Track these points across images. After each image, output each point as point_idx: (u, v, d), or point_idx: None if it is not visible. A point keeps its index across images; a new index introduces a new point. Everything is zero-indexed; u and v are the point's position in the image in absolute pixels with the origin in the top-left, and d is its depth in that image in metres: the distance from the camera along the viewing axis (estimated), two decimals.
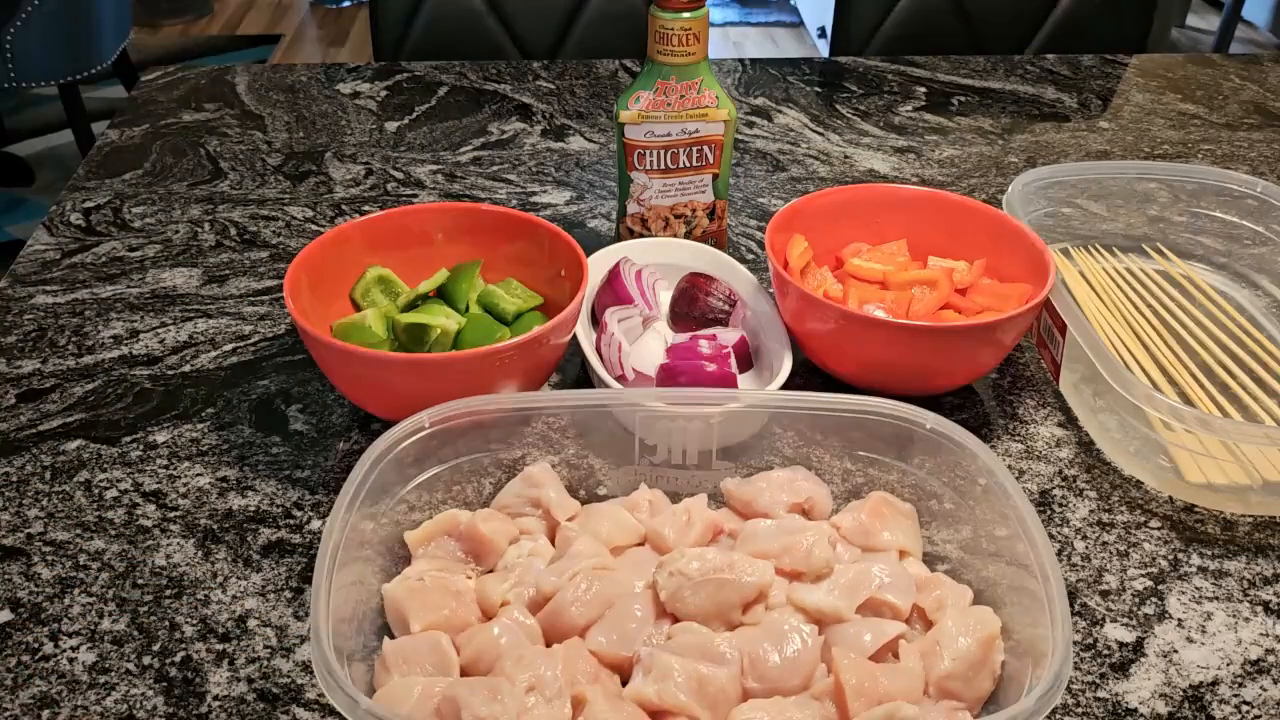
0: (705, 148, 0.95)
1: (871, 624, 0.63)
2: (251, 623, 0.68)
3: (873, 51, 1.64)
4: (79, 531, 0.74)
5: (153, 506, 0.76)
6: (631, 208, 0.98)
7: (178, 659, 0.66)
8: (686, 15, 0.88)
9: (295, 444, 0.81)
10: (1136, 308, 0.95)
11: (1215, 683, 0.66)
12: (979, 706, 0.61)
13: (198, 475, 0.79)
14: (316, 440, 0.82)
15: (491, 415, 0.70)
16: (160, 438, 0.82)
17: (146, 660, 0.66)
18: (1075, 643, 0.68)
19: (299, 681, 0.65)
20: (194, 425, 0.83)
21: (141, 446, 0.81)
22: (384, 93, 1.33)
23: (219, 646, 0.67)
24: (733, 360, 0.82)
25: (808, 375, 0.88)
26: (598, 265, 0.90)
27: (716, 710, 0.58)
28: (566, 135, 1.25)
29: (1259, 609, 0.71)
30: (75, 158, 2.83)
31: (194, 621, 0.68)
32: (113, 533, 0.74)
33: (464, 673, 0.61)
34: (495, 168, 1.18)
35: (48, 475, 0.78)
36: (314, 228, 1.07)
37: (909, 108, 1.32)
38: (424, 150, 1.21)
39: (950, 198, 0.93)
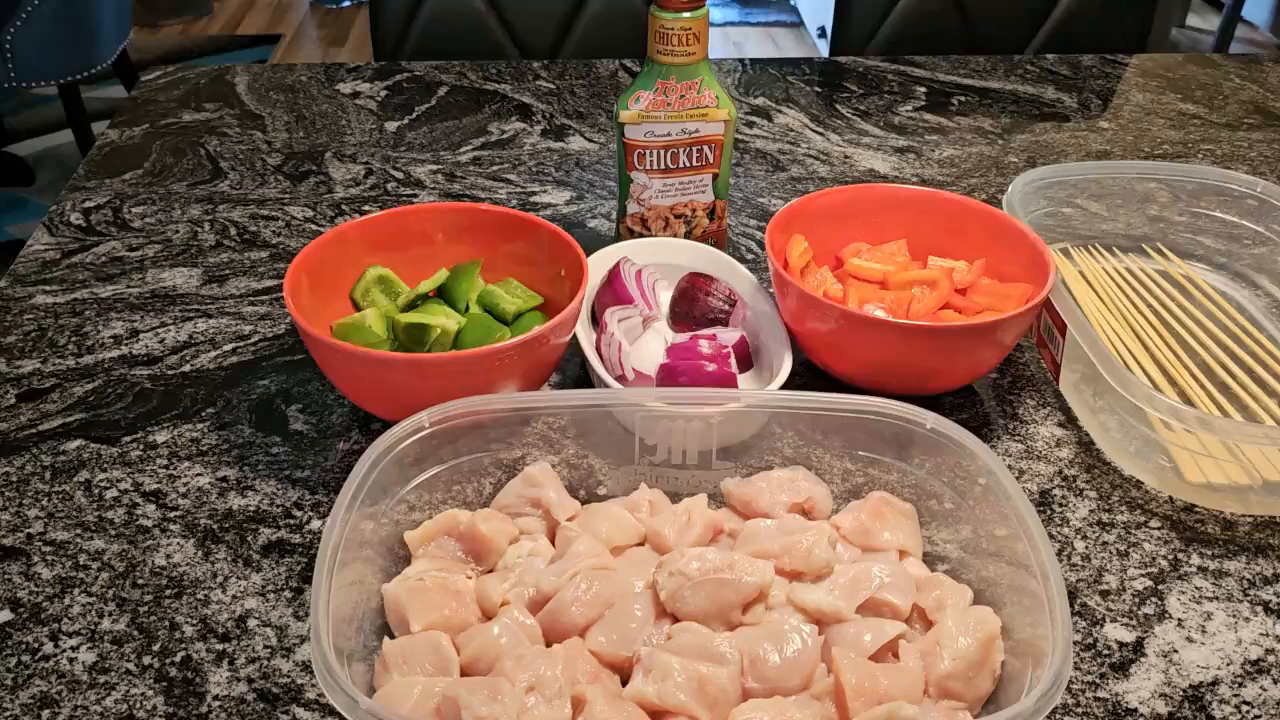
0: (705, 148, 0.95)
1: (871, 624, 0.63)
2: (251, 623, 0.68)
3: (873, 51, 1.64)
4: (79, 531, 0.74)
5: (153, 506, 0.76)
6: (631, 208, 0.98)
7: (178, 659, 0.66)
8: (686, 15, 0.88)
9: (295, 444, 0.81)
10: (1136, 308, 0.95)
11: (1215, 683, 0.66)
12: (979, 706, 0.61)
13: (198, 475, 0.79)
14: (316, 440, 0.82)
15: (491, 415, 0.70)
16: (160, 438, 0.82)
17: (146, 660, 0.66)
18: (1075, 643, 0.68)
19: (299, 681, 0.65)
20: (194, 425, 0.83)
21: (141, 446, 0.81)
22: (384, 93, 1.33)
23: (219, 646, 0.67)
24: (733, 360, 0.82)
25: (808, 375, 0.88)
26: (598, 265, 0.90)
27: (716, 710, 0.58)
28: (566, 135, 1.25)
29: (1259, 609, 0.71)
30: (75, 158, 2.83)
31: (194, 621, 0.68)
32: (113, 533, 0.74)
33: (464, 673, 0.61)
34: (495, 168, 1.18)
35: (48, 475, 0.78)
36: (314, 228, 1.07)
37: (909, 108, 1.32)
38: (424, 150, 1.21)
39: (950, 198, 0.93)
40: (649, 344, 0.85)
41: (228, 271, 1.01)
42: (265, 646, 0.67)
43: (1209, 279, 1.00)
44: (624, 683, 0.61)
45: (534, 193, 1.14)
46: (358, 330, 0.84)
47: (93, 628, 0.68)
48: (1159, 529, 0.76)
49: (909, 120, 1.30)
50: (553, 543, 0.69)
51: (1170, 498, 0.79)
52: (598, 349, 0.84)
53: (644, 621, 0.63)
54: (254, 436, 0.82)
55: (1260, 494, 0.78)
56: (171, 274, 1.00)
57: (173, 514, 0.76)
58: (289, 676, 0.65)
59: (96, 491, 0.77)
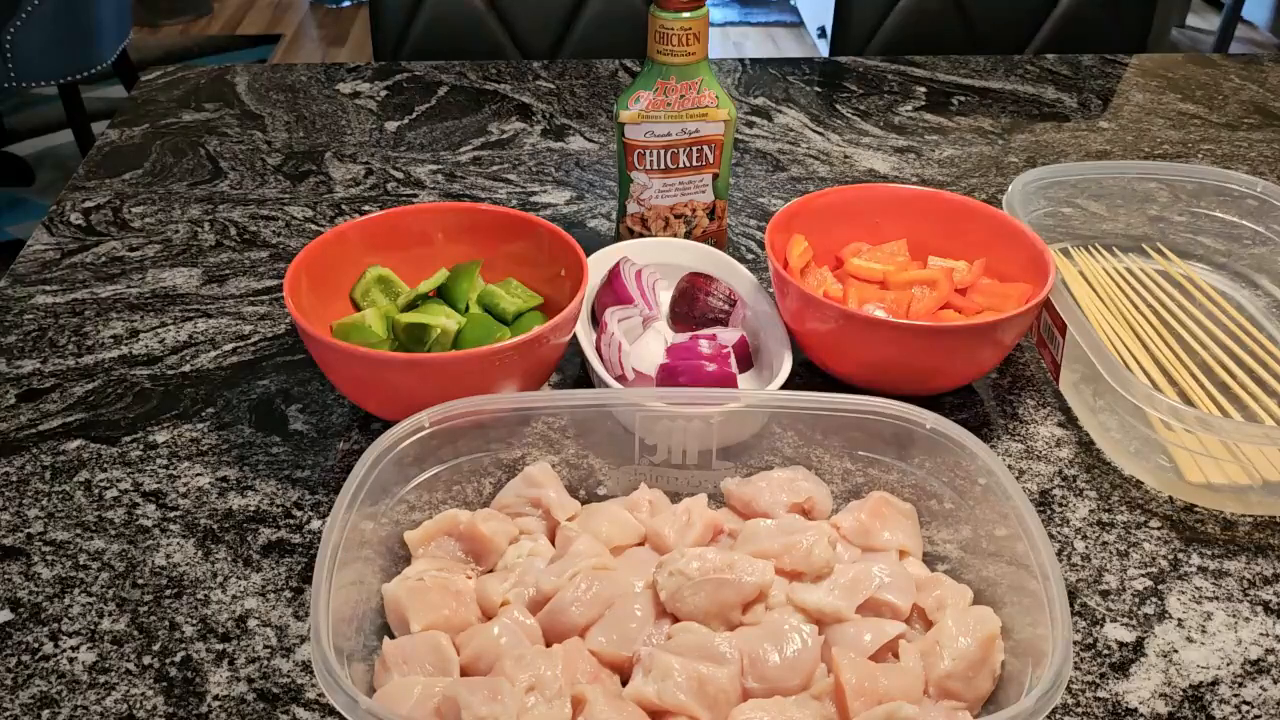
0: (705, 148, 0.95)
1: (871, 624, 0.63)
2: (251, 623, 0.68)
3: (873, 51, 1.64)
4: (79, 531, 0.74)
5: (153, 506, 0.76)
6: (631, 208, 0.98)
7: (178, 659, 0.66)
8: (686, 15, 0.88)
9: (295, 444, 0.81)
10: (1136, 308, 0.95)
11: (1215, 683, 0.66)
12: (979, 706, 0.61)
13: (198, 475, 0.79)
14: (316, 440, 0.82)
15: (491, 415, 0.70)
16: (160, 438, 0.82)
17: (146, 660, 0.66)
18: (1075, 643, 0.68)
19: (299, 681, 0.65)
20: (194, 425, 0.83)
21: (141, 446, 0.81)
22: (384, 93, 1.33)
23: (219, 646, 0.67)
24: (733, 360, 0.82)
25: (808, 375, 0.88)
26: (598, 265, 0.90)
27: (716, 710, 0.58)
28: (566, 135, 1.25)
29: (1259, 609, 0.71)
30: (75, 158, 2.83)
31: (194, 621, 0.68)
32: (113, 533, 0.74)
33: (464, 673, 0.61)
34: (495, 168, 1.18)
35: (48, 475, 0.78)
36: (314, 228, 1.07)
37: (909, 108, 1.32)
38: (424, 150, 1.21)
39: (950, 198, 0.93)
40: (649, 344, 0.85)
41: (228, 271, 1.01)
42: (265, 646, 0.67)
43: (1209, 279, 1.00)
44: (624, 683, 0.61)
45: (534, 193, 1.14)
46: (358, 330, 0.84)
47: (93, 628, 0.68)
48: (1159, 529, 0.76)
49: (909, 120, 1.30)
50: (553, 543, 0.69)
51: (1170, 498, 0.79)
52: (598, 349, 0.84)
53: (644, 621, 0.63)
54: (254, 436, 0.82)
55: (1260, 494, 0.78)
56: (171, 274, 1.00)
57: (173, 514, 0.76)
58: (289, 676, 0.65)
59: (96, 491, 0.77)
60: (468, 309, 0.87)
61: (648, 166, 0.95)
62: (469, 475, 0.72)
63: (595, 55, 1.57)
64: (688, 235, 1.00)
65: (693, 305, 0.88)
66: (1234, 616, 0.70)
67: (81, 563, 0.72)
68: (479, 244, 0.89)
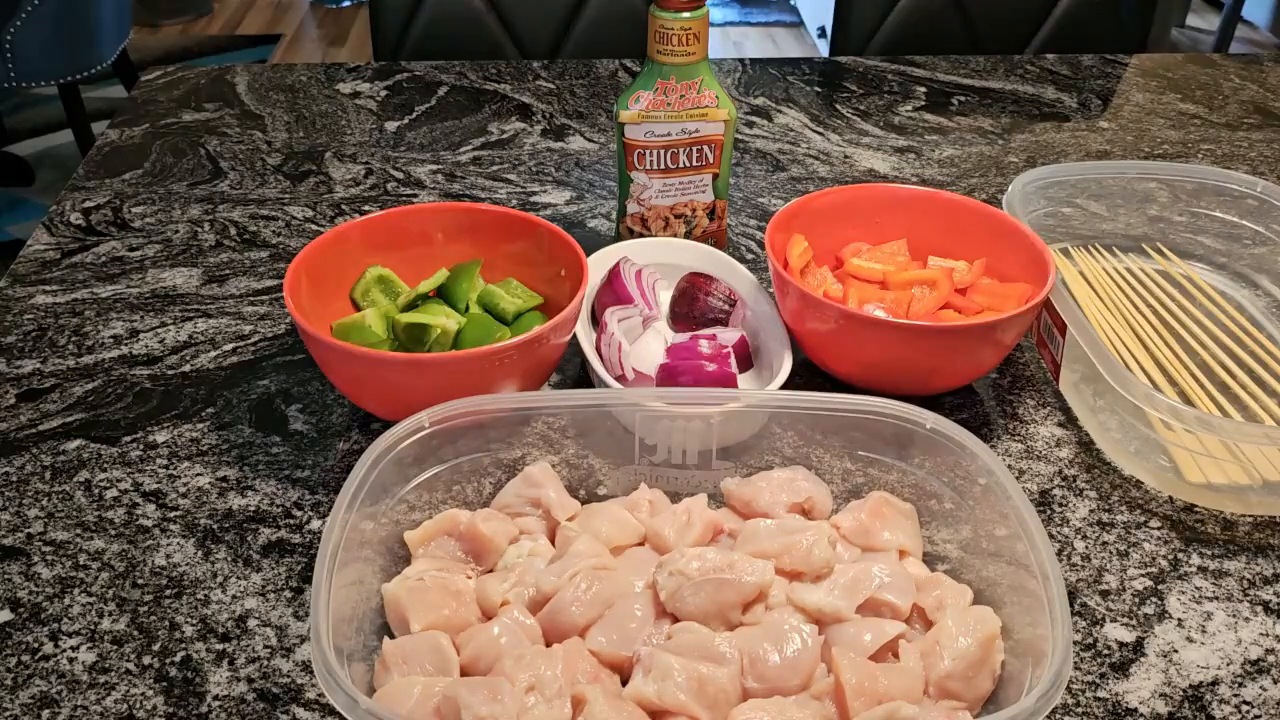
0: (705, 147, 0.95)
1: (871, 624, 0.63)
2: (251, 623, 0.68)
3: (873, 51, 1.64)
4: (79, 531, 0.74)
5: (153, 506, 0.76)
6: (631, 208, 0.98)
7: (178, 659, 0.66)
8: (686, 15, 0.88)
9: (295, 444, 0.81)
10: (1136, 308, 0.95)
11: (1215, 682, 0.66)
12: (979, 706, 0.61)
13: (198, 475, 0.79)
14: (316, 440, 0.82)
15: (491, 415, 0.70)
16: (160, 438, 0.82)
17: (146, 660, 0.66)
18: (1075, 643, 0.68)
19: (299, 681, 0.65)
20: (194, 425, 0.83)
21: (141, 446, 0.81)
22: (384, 93, 1.33)
23: (219, 646, 0.67)
24: (733, 360, 0.82)
25: (808, 375, 0.88)
26: (598, 265, 0.90)
27: (716, 710, 0.58)
28: (566, 135, 1.25)
29: (1259, 609, 0.71)
30: (75, 158, 2.83)
31: (194, 621, 0.68)
32: (113, 533, 0.74)
33: (464, 673, 0.61)
34: (495, 168, 1.18)
35: (48, 475, 0.78)
36: (314, 228, 1.07)
37: (909, 108, 1.32)
38: (424, 150, 1.21)
39: (950, 198, 0.93)
40: (649, 344, 0.85)
41: (228, 271, 1.01)
42: (265, 646, 0.67)
43: (1209, 279, 1.00)
44: (624, 683, 0.61)
45: (534, 193, 1.14)
46: (358, 330, 0.84)
47: (93, 628, 0.68)
48: (1159, 529, 0.76)
49: (909, 120, 1.30)
50: (553, 543, 0.69)
51: (1170, 498, 0.79)
52: (598, 349, 0.84)
53: (644, 621, 0.63)
54: (254, 436, 0.82)
55: (1260, 494, 0.78)
56: (171, 274, 1.00)
57: (173, 514, 0.76)
58: (289, 676, 0.65)
59: (96, 491, 0.77)
60: (468, 309, 0.87)
61: (648, 166, 0.95)
62: (469, 475, 0.72)
63: (595, 55, 1.57)
64: (688, 235, 1.00)
65: (693, 305, 0.88)
66: (1234, 616, 0.70)
67: (81, 563, 0.72)
68: (479, 244, 0.89)
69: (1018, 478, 0.80)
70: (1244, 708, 0.65)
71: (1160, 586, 0.72)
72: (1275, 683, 0.66)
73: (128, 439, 0.82)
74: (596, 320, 0.89)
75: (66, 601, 0.69)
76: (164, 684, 0.64)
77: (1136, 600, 0.71)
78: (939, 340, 0.80)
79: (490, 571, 0.68)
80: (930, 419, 0.69)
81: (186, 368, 0.89)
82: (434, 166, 1.18)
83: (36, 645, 0.67)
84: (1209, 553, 0.75)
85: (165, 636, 0.67)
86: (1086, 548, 0.75)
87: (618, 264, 0.89)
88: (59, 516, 0.75)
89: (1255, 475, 0.78)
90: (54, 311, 0.95)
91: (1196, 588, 0.72)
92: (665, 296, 0.92)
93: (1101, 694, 0.65)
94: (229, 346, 0.91)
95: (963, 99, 1.35)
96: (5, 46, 2.15)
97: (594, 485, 0.74)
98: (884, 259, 0.92)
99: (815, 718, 0.58)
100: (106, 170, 1.16)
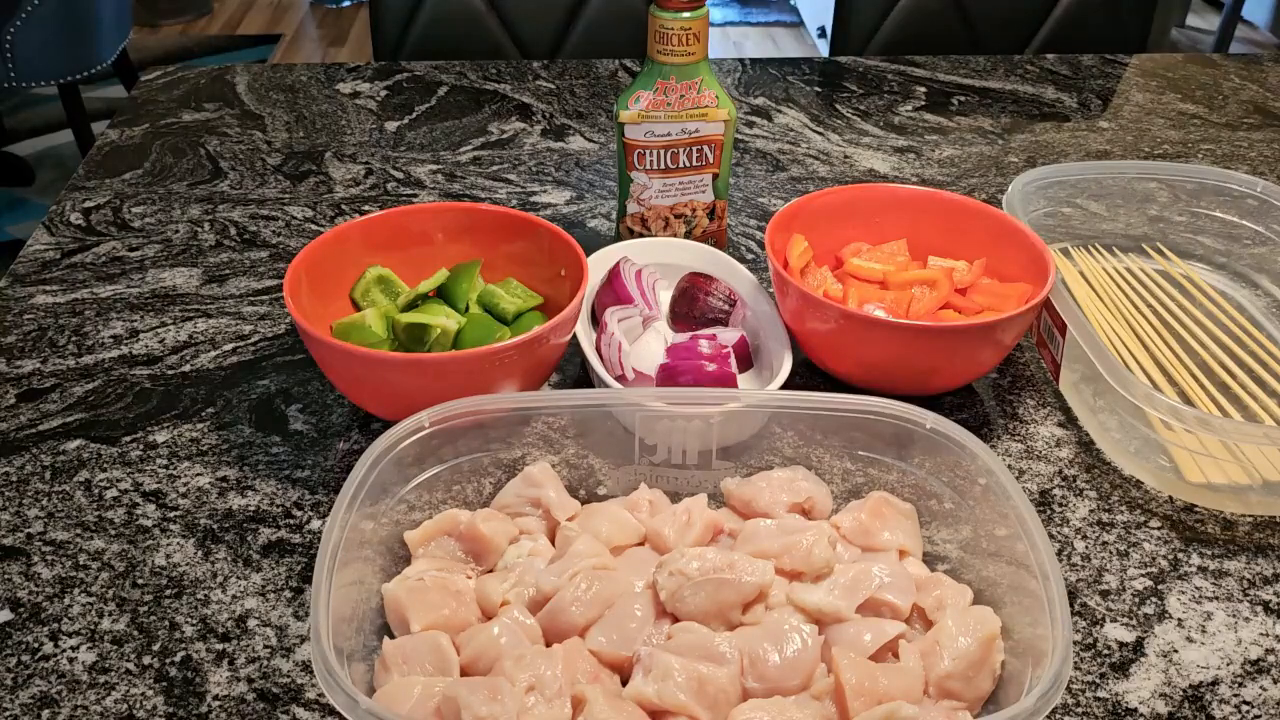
0: (705, 147, 0.95)
1: (871, 624, 0.63)
2: (251, 623, 0.68)
3: (873, 51, 1.64)
4: (79, 531, 0.74)
5: (153, 506, 0.76)
6: (631, 207, 0.98)
7: (178, 659, 0.66)
8: (686, 15, 0.88)
9: (295, 444, 0.81)
10: (1136, 308, 0.95)
11: (1215, 682, 0.66)
12: (979, 706, 0.61)
13: (198, 475, 0.79)
14: (316, 440, 0.82)
15: (491, 415, 0.70)
16: (160, 438, 0.82)
17: (146, 660, 0.66)
18: (1075, 643, 0.68)
19: (299, 681, 0.65)
20: (194, 425, 0.83)
21: (141, 446, 0.81)
22: (384, 92, 1.33)
23: (219, 646, 0.67)
24: (733, 360, 0.82)
25: (808, 375, 0.88)
26: (598, 265, 0.90)
27: (716, 710, 0.58)
28: (566, 135, 1.25)
29: (1259, 609, 0.71)
30: (75, 158, 2.83)
31: (194, 621, 0.68)
32: (113, 533, 0.74)
33: (464, 673, 0.61)
34: (495, 168, 1.18)
35: (48, 475, 0.78)
36: (314, 228, 1.07)
37: (909, 108, 1.32)
38: (424, 150, 1.21)
39: (950, 197, 0.93)
40: (649, 344, 0.85)
41: (228, 271, 1.01)
42: (265, 646, 0.67)
43: (1209, 279, 1.00)
44: (624, 683, 0.61)
45: (534, 193, 1.14)
46: (358, 330, 0.84)
47: (93, 628, 0.68)
48: (1159, 529, 0.76)
49: (909, 120, 1.30)
50: (553, 543, 0.69)
51: (1170, 498, 0.79)
52: (598, 349, 0.84)
53: (644, 621, 0.63)
54: (254, 436, 0.82)
55: (1260, 494, 0.78)
56: (171, 274, 1.00)
57: (173, 514, 0.76)
58: (289, 676, 0.65)
59: (96, 491, 0.77)
60: (468, 309, 0.87)
61: (648, 166, 0.95)
62: (469, 475, 0.72)
63: (595, 55, 1.57)
64: (688, 235, 1.00)
65: (693, 305, 0.88)
66: (1234, 616, 0.70)
67: (81, 563, 0.72)
68: (479, 244, 0.89)
69: (1018, 478, 0.80)
70: (1244, 708, 0.65)
71: (1160, 586, 0.72)
72: (1275, 683, 0.66)
73: (128, 439, 0.82)
74: (596, 320, 0.89)
75: (66, 601, 0.69)
76: (164, 684, 0.64)
77: (1136, 600, 0.71)
78: (939, 340, 0.80)
79: (490, 571, 0.68)
80: (930, 419, 0.69)
81: (186, 368, 0.89)
82: (434, 166, 1.18)
83: (36, 645, 0.67)
84: (1209, 553, 0.75)
85: (165, 636, 0.67)
86: (1086, 548, 0.75)
87: (618, 264, 0.89)
88: (59, 516, 0.75)
89: (1255, 475, 0.78)
90: (54, 311, 0.95)
91: (1196, 588, 0.72)
92: (665, 296, 0.92)
93: (1101, 694, 0.65)
94: (229, 346, 0.91)
95: (963, 99, 1.35)
96: (5, 46, 2.15)
97: (594, 485, 0.74)
98: (884, 259, 0.92)
99: (815, 718, 0.58)
100: (106, 170, 1.16)
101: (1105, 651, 0.68)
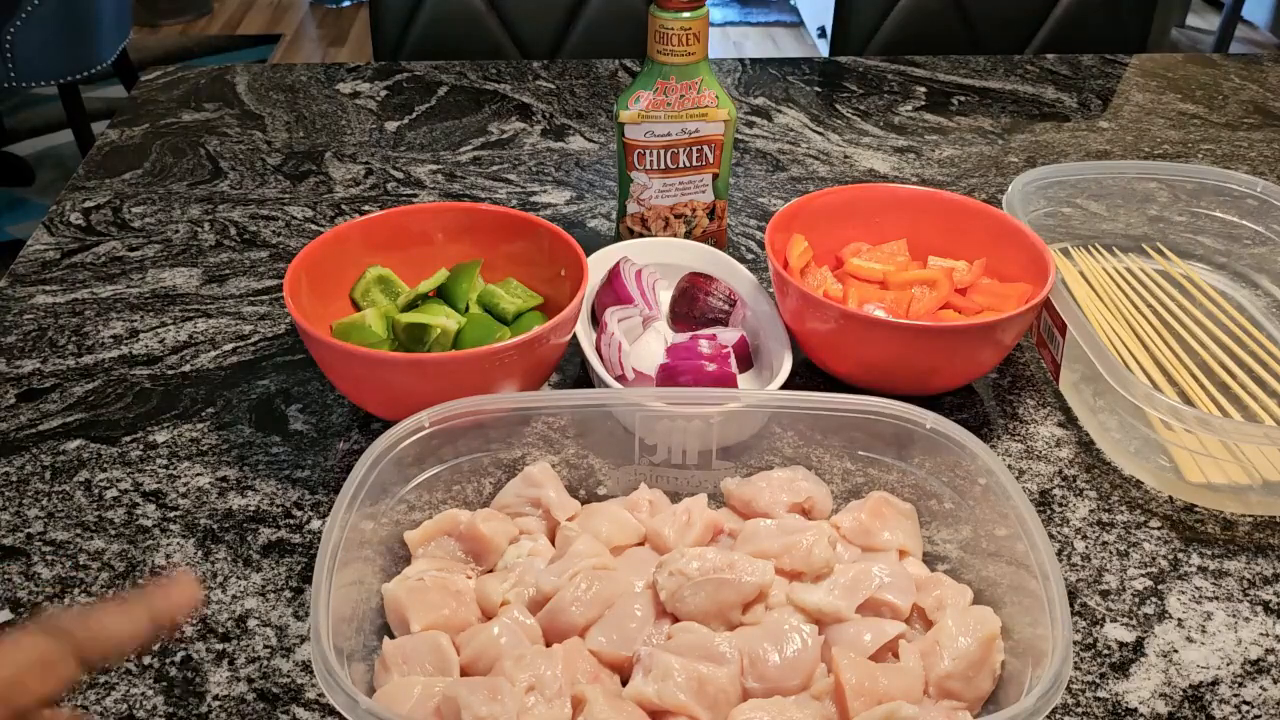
0: (705, 147, 0.95)
1: (871, 624, 0.63)
2: (251, 623, 0.68)
3: (873, 51, 1.64)
4: (79, 531, 0.74)
5: (153, 506, 0.76)
6: (631, 207, 0.98)
7: (178, 659, 0.66)
8: (686, 15, 0.88)
9: (295, 444, 0.81)
10: (1136, 308, 0.95)
11: (1215, 682, 0.66)
12: (979, 706, 0.61)
13: (198, 475, 0.79)
14: (316, 440, 0.82)
15: (491, 415, 0.70)
16: (160, 438, 0.82)
17: (146, 660, 0.66)
18: (1075, 643, 0.68)
19: (299, 681, 0.65)
20: (194, 425, 0.83)
21: (141, 446, 0.81)
22: (384, 92, 1.33)
23: (219, 646, 0.67)
24: (733, 360, 0.82)
25: (808, 375, 0.88)
26: (598, 265, 0.90)
27: (716, 710, 0.58)
28: (566, 135, 1.25)
29: (1259, 609, 0.71)
30: (75, 158, 2.83)
31: (194, 621, 0.68)
32: (113, 533, 0.74)
33: (464, 673, 0.61)
34: (495, 168, 1.18)
35: (48, 475, 0.78)
36: (314, 228, 1.07)
37: (909, 108, 1.32)
38: (424, 150, 1.21)
39: (950, 197, 0.93)
40: (649, 344, 0.85)
41: (228, 271, 1.01)
42: (265, 646, 0.67)
43: (1209, 279, 1.00)
44: (624, 683, 0.61)
45: (534, 193, 1.14)
46: (358, 330, 0.84)
47: None
48: (1159, 529, 0.76)
49: (909, 120, 1.30)
50: (553, 543, 0.69)
51: (1170, 498, 0.79)
52: (598, 349, 0.84)
53: (644, 621, 0.63)
54: (254, 436, 0.82)
55: (1260, 494, 0.78)
56: (171, 274, 1.00)
57: (173, 514, 0.76)
58: (289, 676, 0.65)
59: (96, 491, 0.77)
60: (468, 309, 0.87)
61: (648, 166, 0.95)
62: (469, 475, 0.72)
63: (595, 55, 1.57)
64: (688, 235, 1.00)
65: (693, 305, 0.88)
66: (1234, 616, 0.70)
67: (81, 563, 0.72)
68: (479, 244, 0.89)
69: (1018, 478, 0.80)
70: (1244, 708, 0.65)
71: (1160, 586, 0.72)
72: (1275, 683, 0.66)
73: (128, 439, 0.82)
74: (596, 320, 0.89)
75: (66, 601, 0.69)
76: (164, 684, 0.64)
77: (1136, 600, 0.71)
78: (939, 340, 0.80)
79: (490, 571, 0.68)
80: (930, 419, 0.69)
81: (186, 368, 0.89)
82: (434, 166, 1.18)
83: None
84: (1209, 553, 0.75)
85: (165, 636, 0.67)
86: (1086, 548, 0.75)
87: (618, 264, 0.89)
88: (59, 516, 0.75)
89: (1255, 475, 0.78)
90: (54, 311, 0.95)
91: (1196, 588, 0.72)
92: (665, 296, 0.92)
93: (1101, 694, 0.65)
94: (229, 346, 0.91)
95: (963, 99, 1.35)
96: (5, 46, 2.15)
97: (594, 485, 0.74)
98: (884, 259, 0.92)
99: (815, 718, 0.58)
100: (106, 170, 1.16)
101: (1105, 651, 0.68)
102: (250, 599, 0.70)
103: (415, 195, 1.13)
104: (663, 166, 0.96)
